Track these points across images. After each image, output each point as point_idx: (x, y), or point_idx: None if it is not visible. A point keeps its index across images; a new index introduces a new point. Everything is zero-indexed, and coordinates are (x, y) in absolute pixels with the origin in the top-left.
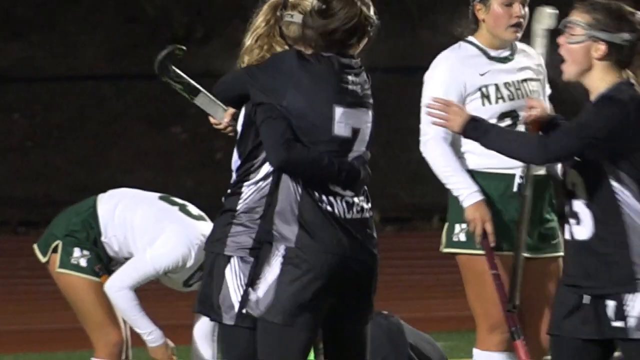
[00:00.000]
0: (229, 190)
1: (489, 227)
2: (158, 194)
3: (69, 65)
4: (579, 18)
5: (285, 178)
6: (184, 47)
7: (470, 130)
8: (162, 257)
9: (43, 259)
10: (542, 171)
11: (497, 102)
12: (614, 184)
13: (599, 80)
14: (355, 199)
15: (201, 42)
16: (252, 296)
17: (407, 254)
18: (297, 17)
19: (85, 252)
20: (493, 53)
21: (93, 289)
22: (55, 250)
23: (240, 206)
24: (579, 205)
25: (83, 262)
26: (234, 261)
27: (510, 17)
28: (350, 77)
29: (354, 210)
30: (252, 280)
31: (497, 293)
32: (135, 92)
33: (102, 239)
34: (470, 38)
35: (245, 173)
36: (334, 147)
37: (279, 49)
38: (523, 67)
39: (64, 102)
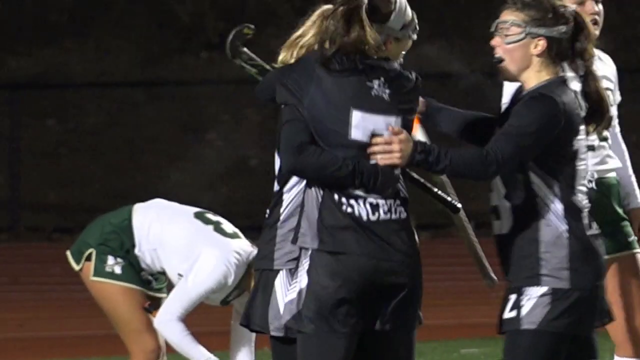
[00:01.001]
0: (271, 202)
1: None
2: (194, 210)
3: (102, 71)
4: (513, 17)
5: (310, 182)
6: (253, 26)
7: (423, 155)
8: (203, 283)
9: (77, 267)
10: (612, 173)
11: None
12: (535, 179)
13: (535, 77)
14: (381, 201)
15: None
16: (287, 306)
17: (441, 260)
18: None
19: (119, 260)
20: None
21: (128, 296)
22: (88, 258)
23: (282, 215)
24: (498, 200)
25: (118, 270)
26: (282, 273)
27: (585, 15)
28: (375, 81)
29: (380, 212)
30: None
31: None
32: (168, 98)
33: (136, 251)
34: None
35: (284, 180)
36: (351, 151)
37: None
38: (600, 76)
39: (97, 108)
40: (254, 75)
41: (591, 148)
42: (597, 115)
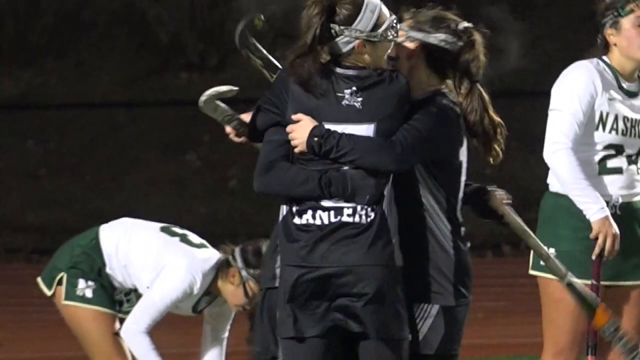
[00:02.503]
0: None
1: (615, 243)
2: (160, 225)
3: (82, 92)
4: (404, 23)
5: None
6: (263, 17)
7: (320, 140)
8: (170, 293)
9: (48, 292)
10: (638, 197)
11: (610, 132)
12: (424, 193)
13: (416, 85)
14: (347, 208)
15: (215, 69)
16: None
17: None
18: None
19: (90, 283)
20: (625, 85)
21: (99, 319)
22: (60, 282)
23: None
24: None
25: (89, 293)
26: None
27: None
28: (347, 90)
29: (343, 217)
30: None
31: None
32: (149, 119)
33: (107, 270)
34: (605, 58)
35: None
36: (325, 162)
37: None
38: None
39: (78, 129)
40: (259, 67)
41: (619, 171)
42: (483, 136)
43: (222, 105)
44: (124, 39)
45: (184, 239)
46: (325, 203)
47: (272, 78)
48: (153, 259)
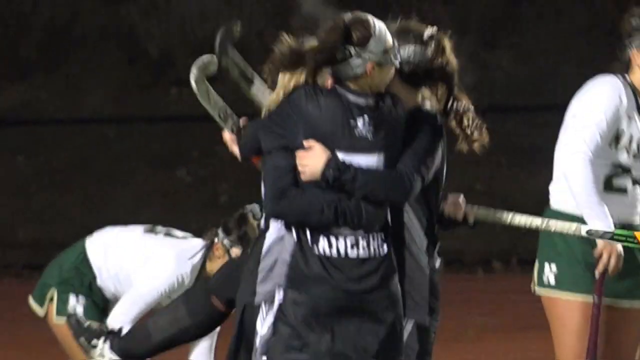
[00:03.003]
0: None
1: (619, 261)
2: (142, 227)
3: (72, 107)
4: None
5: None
6: (239, 24)
7: (336, 172)
8: (158, 285)
9: (41, 312)
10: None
11: (622, 151)
12: (406, 208)
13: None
14: (361, 239)
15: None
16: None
17: None
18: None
19: (81, 298)
20: None
21: None
22: (51, 299)
23: (263, 251)
24: None
25: (79, 309)
26: (263, 308)
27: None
28: (360, 119)
29: (359, 248)
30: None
31: (590, 325)
32: (139, 134)
33: (98, 283)
34: (626, 76)
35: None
36: (335, 191)
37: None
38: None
39: (68, 144)
40: (235, 77)
41: (623, 191)
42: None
43: (217, 97)
44: (114, 54)
45: (167, 234)
46: (339, 231)
47: (249, 90)
48: (143, 260)
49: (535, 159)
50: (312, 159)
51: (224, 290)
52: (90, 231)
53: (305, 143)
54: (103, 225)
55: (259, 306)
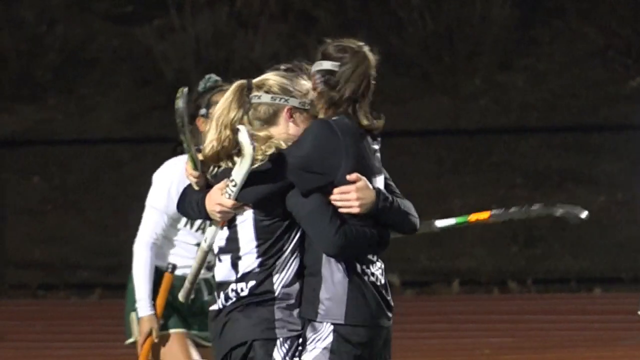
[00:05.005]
0: (249, 271)
1: None
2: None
3: (86, 128)
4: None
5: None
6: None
7: (383, 201)
8: (157, 191)
9: (133, 339)
10: None
11: None
12: None
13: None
14: (380, 263)
15: None
16: None
17: (426, 318)
18: (265, 97)
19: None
20: None
21: (175, 341)
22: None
23: (277, 287)
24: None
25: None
26: (283, 347)
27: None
28: (376, 144)
29: (383, 274)
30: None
31: None
32: (152, 155)
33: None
34: None
35: (276, 253)
36: (369, 218)
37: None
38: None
39: (82, 165)
40: (182, 138)
41: None
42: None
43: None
44: (128, 75)
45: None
46: (373, 258)
47: (190, 154)
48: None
49: (551, 180)
50: (364, 192)
51: None
52: (104, 251)
53: (350, 177)
54: (117, 245)
55: (275, 339)
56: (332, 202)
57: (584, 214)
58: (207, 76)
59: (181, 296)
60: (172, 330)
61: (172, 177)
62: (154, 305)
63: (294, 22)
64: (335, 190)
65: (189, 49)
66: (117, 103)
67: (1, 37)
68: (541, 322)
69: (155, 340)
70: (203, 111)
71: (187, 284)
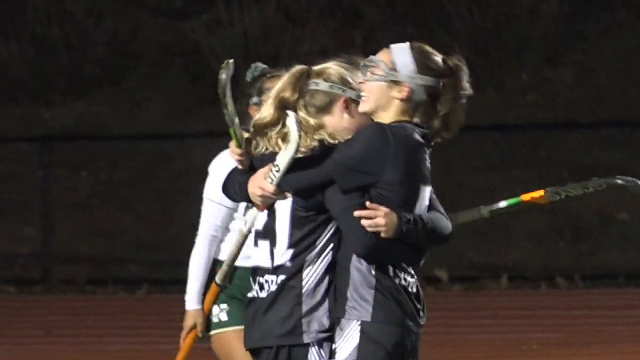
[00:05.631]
0: (282, 264)
1: None
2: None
3: (134, 122)
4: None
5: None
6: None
7: (407, 224)
8: (209, 185)
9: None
10: None
11: None
12: None
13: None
14: (414, 274)
15: None
16: None
17: (474, 313)
18: (323, 85)
19: (223, 306)
20: None
21: (239, 338)
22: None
23: (305, 282)
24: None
25: (223, 316)
26: (314, 349)
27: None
28: (428, 151)
29: (417, 282)
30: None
31: None
32: (200, 150)
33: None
34: None
35: (309, 247)
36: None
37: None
38: None
39: (130, 160)
40: (224, 111)
41: None
42: None
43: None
44: (177, 70)
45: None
46: (407, 267)
47: (230, 125)
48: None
49: (599, 174)
50: (386, 218)
51: None
52: (151, 246)
53: (369, 205)
54: (164, 240)
55: (307, 345)
56: (360, 218)
57: None
58: (253, 65)
59: (218, 278)
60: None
61: (226, 167)
62: (203, 300)
63: (342, 17)
64: (364, 212)
65: (237, 44)
66: (166, 97)
67: (51, 31)
68: (589, 318)
69: (200, 335)
70: (255, 99)
71: (224, 267)
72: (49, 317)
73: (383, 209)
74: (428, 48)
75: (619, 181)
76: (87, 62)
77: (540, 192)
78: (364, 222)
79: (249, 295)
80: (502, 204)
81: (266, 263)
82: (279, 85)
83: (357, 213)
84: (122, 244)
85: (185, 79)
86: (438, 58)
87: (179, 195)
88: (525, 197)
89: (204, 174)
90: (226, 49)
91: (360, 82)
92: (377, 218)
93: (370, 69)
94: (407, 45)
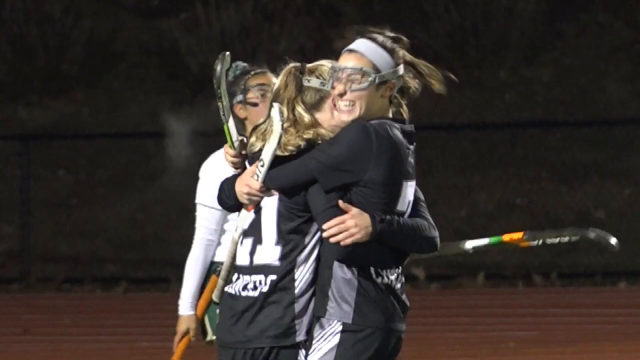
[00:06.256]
0: (269, 263)
1: None
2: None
3: (113, 121)
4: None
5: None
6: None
7: (381, 223)
8: (200, 190)
9: (209, 338)
10: None
11: None
12: None
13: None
14: (398, 270)
15: None
16: None
17: (451, 312)
18: (315, 82)
19: None
20: None
21: None
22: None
23: (297, 283)
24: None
25: None
26: (302, 351)
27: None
28: (411, 147)
29: (401, 280)
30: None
31: None
32: (178, 149)
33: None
34: None
35: (298, 246)
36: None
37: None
38: None
39: (108, 159)
40: (219, 105)
41: None
42: None
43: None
44: (155, 69)
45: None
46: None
47: (224, 122)
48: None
49: (576, 173)
50: (359, 218)
51: None
52: (130, 245)
53: (340, 205)
54: (143, 239)
55: (298, 344)
56: (328, 235)
57: (614, 241)
58: (234, 64)
59: (215, 296)
60: None
61: (215, 170)
62: (196, 305)
63: (320, 16)
64: (331, 222)
65: (215, 42)
66: (144, 97)
67: (29, 31)
68: (566, 316)
69: (193, 340)
70: (240, 97)
71: (220, 281)
72: (26, 315)
73: (352, 211)
74: (380, 35)
75: (592, 235)
76: (66, 62)
77: (519, 235)
78: (332, 239)
79: (229, 290)
80: (485, 241)
81: (245, 261)
82: (277, 84)
83: (325, 225)
84: (99, 242)
85: (164, 78)
86: (390, 40)
87: (158, 194)
88: (506, 237)
89: (183, 173)
90: (204, 48)
91: (342, 94)
92: (346, 222)
93: (352, 78)
94: (370, 43)
